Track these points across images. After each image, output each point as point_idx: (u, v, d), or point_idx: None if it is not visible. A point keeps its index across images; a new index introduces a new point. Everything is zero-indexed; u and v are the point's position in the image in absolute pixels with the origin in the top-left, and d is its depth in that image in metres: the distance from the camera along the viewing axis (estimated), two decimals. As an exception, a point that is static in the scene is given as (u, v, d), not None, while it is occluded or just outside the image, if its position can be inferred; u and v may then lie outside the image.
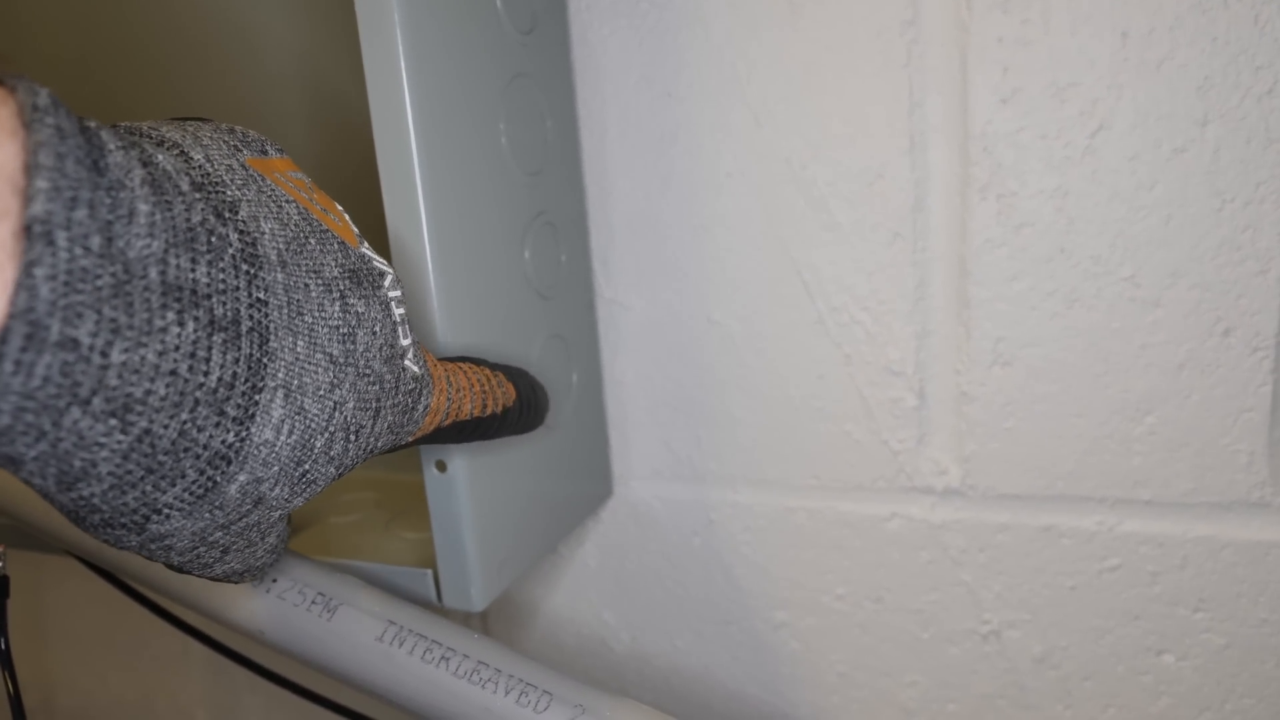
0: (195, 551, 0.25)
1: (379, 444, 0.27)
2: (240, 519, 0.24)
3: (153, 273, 0.20)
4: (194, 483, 0.22)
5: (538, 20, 0.41)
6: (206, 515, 0.23)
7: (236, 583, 0.28)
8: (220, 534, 0.24)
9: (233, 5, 0.49)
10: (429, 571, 0.35)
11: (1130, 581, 0.41)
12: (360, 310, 0.26)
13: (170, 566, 0.25)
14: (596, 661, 0.51)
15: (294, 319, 0.24)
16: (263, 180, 0.25)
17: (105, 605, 0.66)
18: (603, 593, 0.51)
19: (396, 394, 0.27)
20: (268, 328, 0.23)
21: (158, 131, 0.24)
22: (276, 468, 0.24)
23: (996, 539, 0.42)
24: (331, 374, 0.25)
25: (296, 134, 0.49)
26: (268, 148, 0.27)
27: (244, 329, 0.22)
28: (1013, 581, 0.42)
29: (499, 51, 0.38)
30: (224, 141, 0.25)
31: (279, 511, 0.25)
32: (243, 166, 0.25)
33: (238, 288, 0.22)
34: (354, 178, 0.38)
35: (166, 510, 0.22)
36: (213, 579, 0.27)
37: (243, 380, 0.22)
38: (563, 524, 0.43)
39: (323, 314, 0.25)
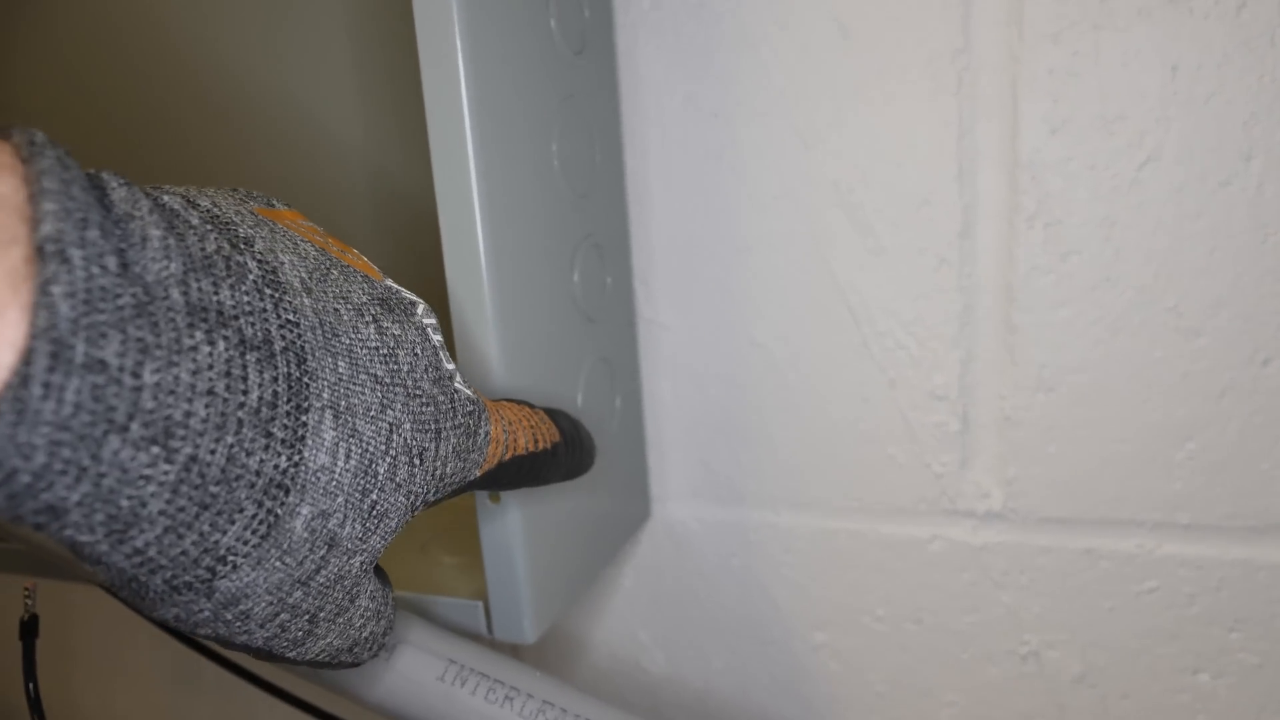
0: (279, 620, 0.24)
1: (448, 470, 0.27)
2: (318, 571, 0.24)
3: (175, 293, 0.20)
4: (254, 518, 0.22)
5: (587, 40, 0.42)
6: (278, 564, 0.23)
7: (345, 666, 0.27)
8: (300, 593, 0.24)
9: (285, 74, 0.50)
10: (479, 604, 0.37)
11: (1168, 603, 0.43)
12: (396, 333, 0.26)
13: (255, 651, 0.24)
14: (629, 683, 0.53)
15: (329, 339, 0.24)
16: (274, 224, 0.26)
17: (137, 635, 0.67)
18: (638, 613, 0.53)
19: (455, 415, 0.27)
20: (303, 348, 0.23)
21: (159, 187, 0.24)
22: (341, 498, 0.23)
23: (1037, 561, 0.45)
24: (380, 394, 0.25)
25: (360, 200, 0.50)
26: (274, 202, 0.28)
27: (277, 348, 0.22)
28: (1052, 603, 0.45)
29: (553, 72, 0.40)
30: (229, 195, 0.26)
31: (359, 558, 0.25)
32: (251, 213, 0.25)
33: (265, 309, 0.22)
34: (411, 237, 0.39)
35: (232, 558, 0.22)
36: (313, 664, 0.26)
37: (285, 400, 0.22)
38: (606, 549, 0.45)
39: (359, 335, 0.25)
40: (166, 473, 0.20)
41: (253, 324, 0.22)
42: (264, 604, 0.23)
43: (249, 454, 0.21)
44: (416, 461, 0.26)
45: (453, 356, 0.31)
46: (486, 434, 0.29)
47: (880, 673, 0.49)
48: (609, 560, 0.46)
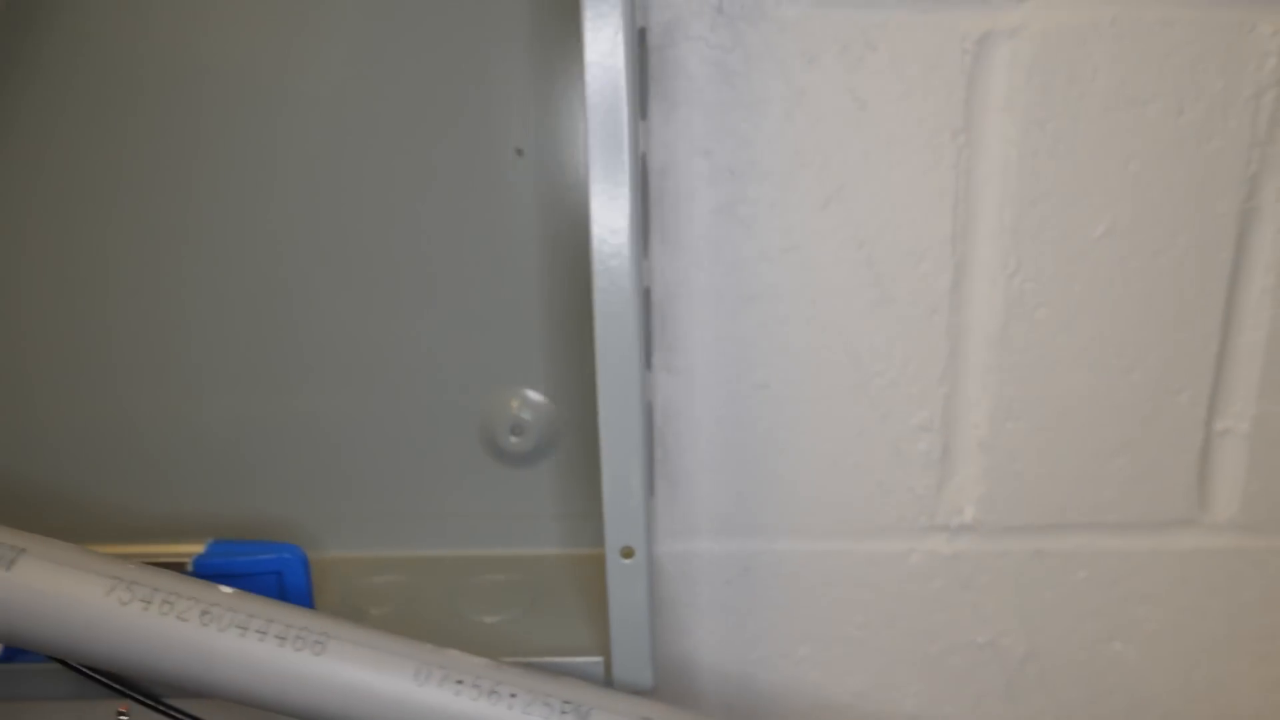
0: None
1: None
2: None
3: None
4: None
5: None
6: None
7: None
8: None
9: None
10: (600, 659, 0.38)
11: (1094, 587, 0.53)
12: None
13: None
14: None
15: None
16: None
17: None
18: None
19: None
20: None
21: None
22: None
23: (997, 564, 0.53)
24: None
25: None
26: None
27: None
28: (1007, 597, 0.53)
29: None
30: None
31: None
32: None
33: None
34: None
35: None
36: None
37: None
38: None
39: None
40: None
41: None
42: None
43: None
44: None
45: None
46: None
47: (858, 677, 0.55)
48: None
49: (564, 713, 0.33)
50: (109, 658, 0.31)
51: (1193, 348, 0.50)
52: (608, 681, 0.38)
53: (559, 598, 0.46)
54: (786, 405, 0.51)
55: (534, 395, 0.49)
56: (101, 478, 0.48)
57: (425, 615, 0.44)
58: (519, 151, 0.45)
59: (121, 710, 0.33)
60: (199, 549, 0.40)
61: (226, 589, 0.33)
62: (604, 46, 0.35)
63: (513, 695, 0.33)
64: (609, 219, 0.35)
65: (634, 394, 0.36)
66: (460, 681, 0.32)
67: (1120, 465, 0.51)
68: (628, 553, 0.37)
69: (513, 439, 0.49)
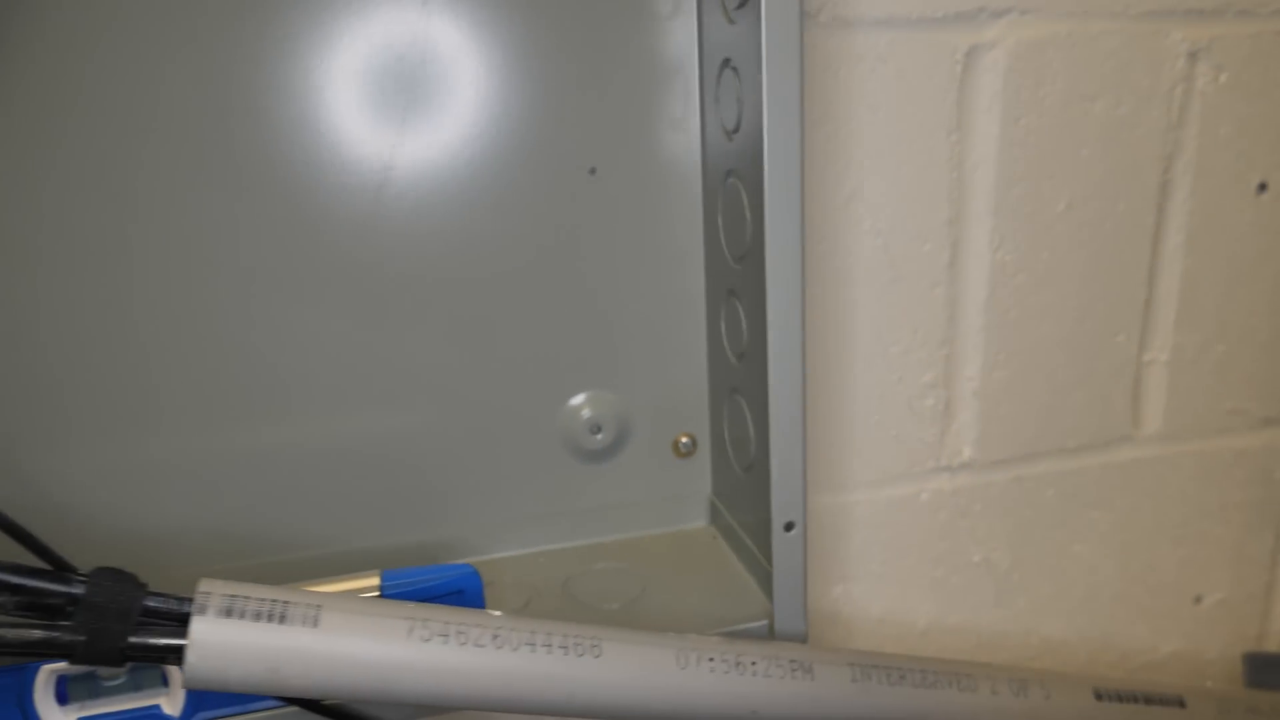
0: None
1: None
2: None
3: None
4: None
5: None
6: None
7: None
8: None
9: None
10: (765, 622, 0.43)
11: (1061, 501, 0.64)
12: None
13: None
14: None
15: None
16: None
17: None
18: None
19: None
20: None
21: None
22: None
23: (988, 493, 0.62)
24: None
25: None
26: None
27: None
28: (995, 520, 0.63)
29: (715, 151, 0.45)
30: None
31: None
32: None
33: None
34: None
35: None
36: None
37: None
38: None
39: None
40: None
41: None
42: None
43: None
44: None
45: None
46: None
47: (879, 605, 0.63)
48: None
49: (794, 671, 0.38)
50: (420, 693, 0.33)
51: (1127, 296, 0.61)
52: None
53: (665, 576, 0.50)
54: (818, 379, 0.57)
55: (606, 394, 0.52)
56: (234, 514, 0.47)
57: (552, 610, 0.47)
58: (592, 171, 0.48)
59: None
60: (375, 581, 0.41)
61: (495, 612, 0.35)
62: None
63: (753, 664, 0.37)
64: (784, 216, 0.39)
65: (798, 386, 0.41)
66: (712, 660, 0.37)
67: (1076, 398, 0.62)
68: (789, 526, 0.42)
69: (596, 437, 0.52)
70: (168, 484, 0.48)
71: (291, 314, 0.48)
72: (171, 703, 0.39)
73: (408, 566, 0.41)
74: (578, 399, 0.52)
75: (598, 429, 0.52)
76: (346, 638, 0.31)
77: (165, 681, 0.39)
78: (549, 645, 0.34)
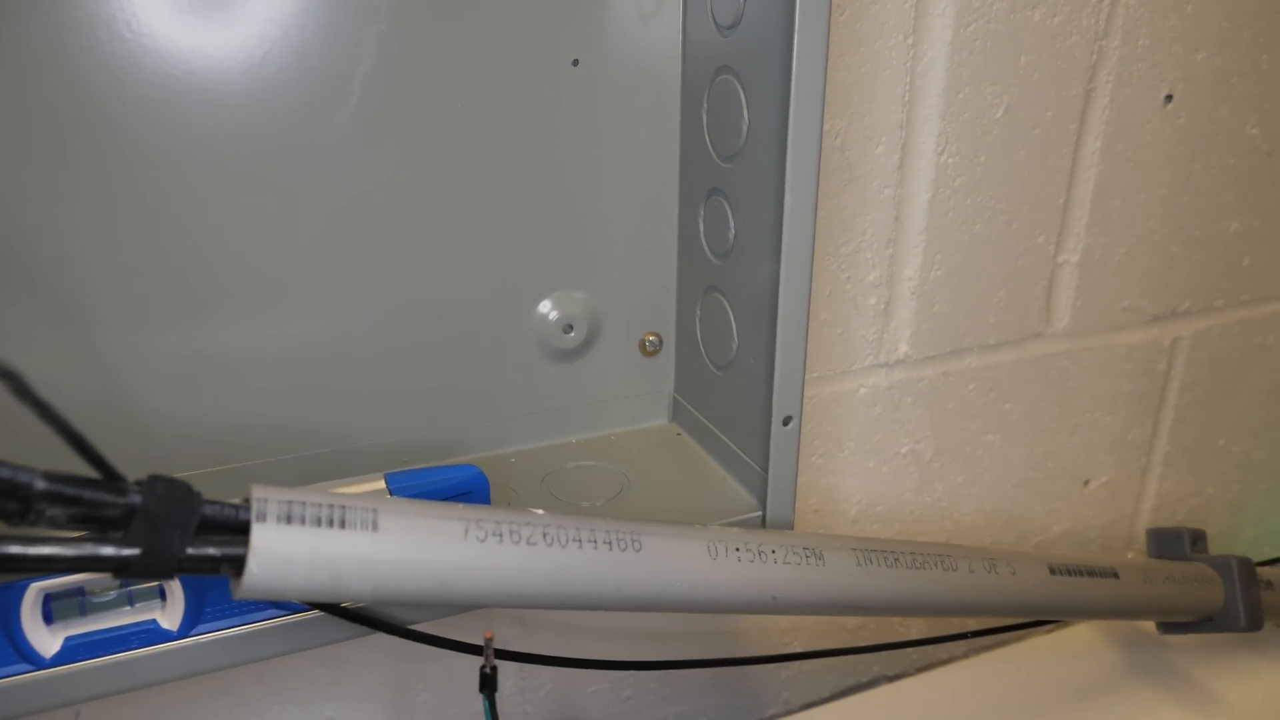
0: None
1: None
2: None
3: None
4: None
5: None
6: None
7: None
8: None
9: None
10: (759, 514, 0.45)
11: (978, 395, 0.69)
12: None
13: None
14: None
15: None
16: None
17: None
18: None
19: None
20: None
21: None
22: None
23: (918, 386, 0.66)
24: None
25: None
26: None
27: None
28: (922, 413, 0.67)
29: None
30: None
31: None
32: None
33: None
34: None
35: None
36: None
37: None
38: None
39: None
40: None
41: None
42: None
43: None
44: None
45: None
46: None
47: (815, 495, 0.67)
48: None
49: (808, 558, 0.40)
50: (476, 593, 0.32)
51: (1048, 199, 0.65)
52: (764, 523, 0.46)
53: (640, 473, 0.51)
54: (772, 279, 0.59)
55: (577, 292, 0.52)
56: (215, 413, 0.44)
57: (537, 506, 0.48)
58: (575, 62, 0.47)
59: (488, 636, 0.34)
60: (380, 484, 0.40)
61: (538, 510, 0.35)
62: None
63: (773, 552, 0.39)
64: (807, 129, 0.40)
65: (805, 283, 0.42)
66: (738, 550, 0.38)
67: (999, 297, 0.67)
68: (787, 420, 0.44)
69: (567, 336, 0.52)
70: (145, 385, 0.44)
71: (263, 214, 0.44)
72: (168, 617, 0.37)
73: (400, 469, 0.40)
74: (551, 297, 0.52)
75: (569, 328, 0.52)
76: (406, 540, 0.31)
77: (162, 595, 0.37)
78: (594, 542, 0.34)
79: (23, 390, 0.23)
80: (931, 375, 0.67)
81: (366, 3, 0.43)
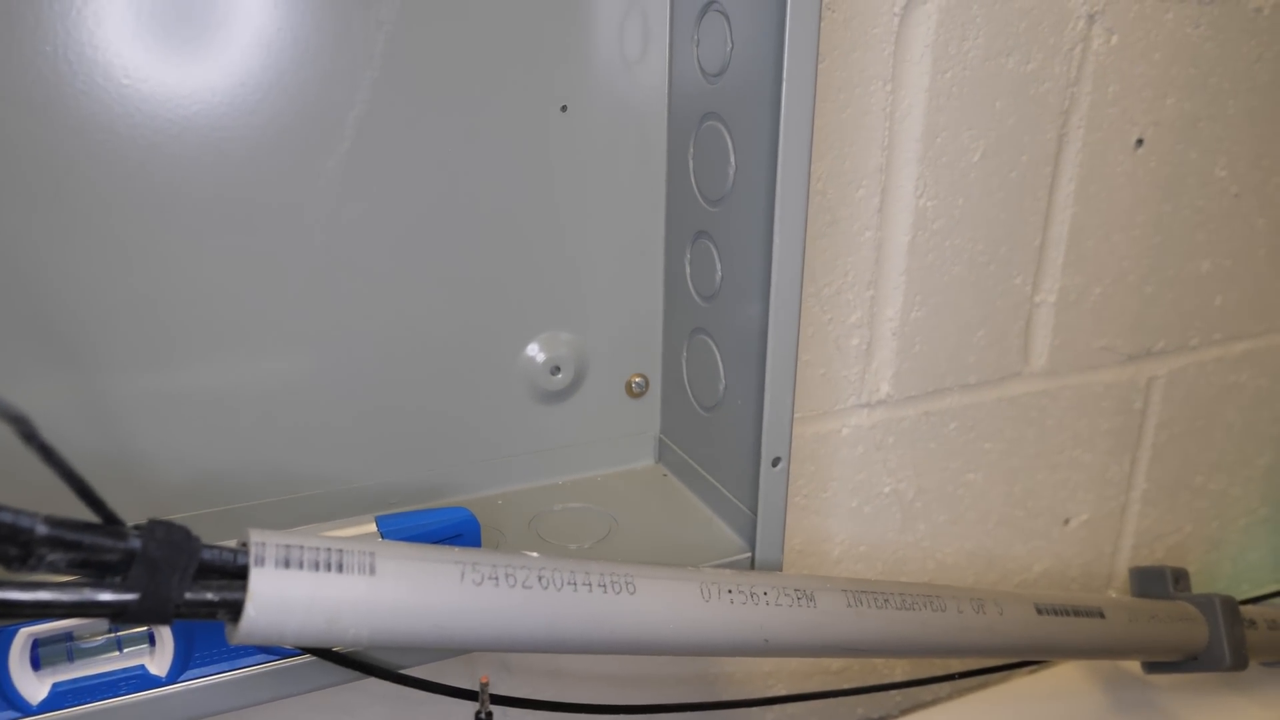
0: None
1: None
2: None
3: None
4: None
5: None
6: None
7: None
8: None
9: None
10: (749, 555, 0.46)
11: (961, 433, 0.70)
12: None
13: None
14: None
15: None
16: None
17: None
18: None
19: None
20: None
21: None
22: None
23: (900, 426, 0.68)
24: None
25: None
26: None
27: None
28: (905, 452, 0.69)
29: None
30: None
31: None
32: None
33: None
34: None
35: None
36: None
37: None
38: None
39: None
40: None
41: None
42: None
43: None
44: None
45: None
46: None
47: (799, 535, 0.67)
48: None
49: (799, 600, 0.41)
50: (473, 637, 0.32)
51: (1025, 241, 0.67)
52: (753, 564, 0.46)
53: (627, 514, 0.52)
54: (755, 320, 0.60)
55: (564, 334, 0.53)
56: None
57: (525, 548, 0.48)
58: (563, 108, 0.48)
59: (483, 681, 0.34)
60: (370, 527, 0.40)
61: (532, 554, 0.35)
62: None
63: (765, 594, 0.40)
64: (794, 173, 0.41)
65: (793, 326, 0.43)
66: (730, 591, 0.38)
67: (979, 337, 0.68)
68: (776, 461, 0.45)
69: (555, 377, 0.53)
70: (135, 425, 0.45)
71: (255, 252, 0.45)
72: (157, 663, 0.37)
73: (390, 512, 0.41)
74: (538, 339, 0.52)
75: (556, 369, 0.53)
76: (403, 583, 0.31)
77: (151, 640, 0.37)
78: (589, 584, 0.35)
79: (29, 434, 0.23)
80: (913, 415, 0.69)
81: (361, 49, 0.44)
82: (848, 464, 0.68)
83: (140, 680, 0.37)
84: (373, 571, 0.31)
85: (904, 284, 0.64)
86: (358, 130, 0.45)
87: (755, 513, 0.47)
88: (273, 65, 0.43)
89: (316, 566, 0.30)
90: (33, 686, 0.35)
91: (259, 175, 0.44)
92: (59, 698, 0.35)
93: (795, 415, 0.63)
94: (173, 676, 0.37)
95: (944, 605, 0.46)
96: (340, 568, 0.30)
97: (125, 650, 0.37)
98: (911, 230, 0.63)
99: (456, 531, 0.41)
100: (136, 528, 0.27)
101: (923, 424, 0.69)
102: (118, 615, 0.27)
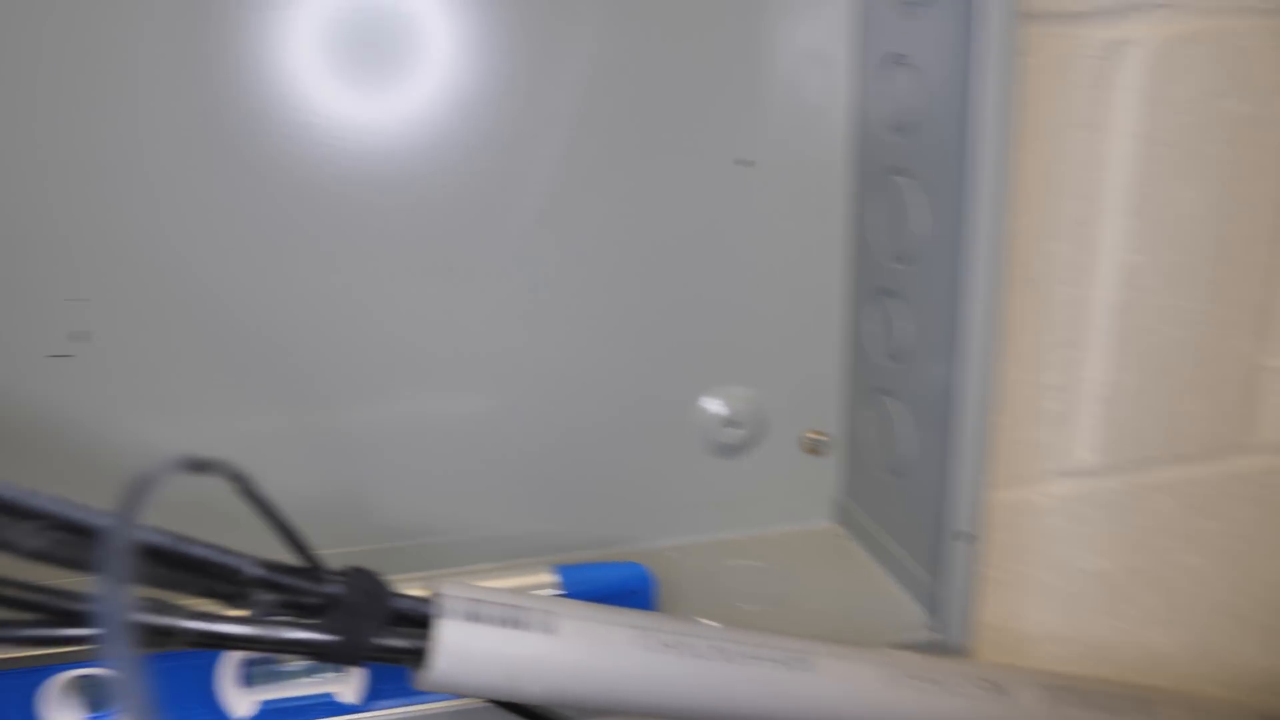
0: None
1: None
2: None
3: None
4: None
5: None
6: None
7: None
8: None
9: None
10: (941, 636, 0.44)
11: (1176, 508, 0.65)
12: None
13: None
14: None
15: None
16: None
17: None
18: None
19: None
20: None
21: None
22: None
23: (1105, 499, 0.63)
24: None
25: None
26: None
27: None
28: (1111, 527, 0.64)
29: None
30: None
31: None
32: None
33: None
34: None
35: None
36: None
37: None
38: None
39: None
40: None
41: None
42: None
43: None
44: None
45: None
46: None
47: (988, 610, 0.64)
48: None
49: (987, 691, 0.38)
50: (646, 702, 0.33)
51: (1245, 300, 0.62)
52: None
53: (803, 577, 0.51)
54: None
55: (741, 389, 0.53)
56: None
57: (698, 609, 0.48)
58: (740, 162, 0.49)
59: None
60: (550, 577, 0.41)
61: (709, 622, 0.35)
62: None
63: (950, 682, 0.38)
64: (986, 229, 0.40)
65: (985, 392, 0.42)
66: (912, 678, 0.37)
67: (1193, 405, 0.63)
68: (965, 537, 0.43)
69: (731, 431, 0.52)
70: (306, 462, 0.48)
71: (436, 299, 0.48)
72: (350, 690, 0.39)
73: (568, 563, 0.42)
74: (714, 392, 0.53)
75: (732, 423, 0.53)
76: (580, 645, 0.31)
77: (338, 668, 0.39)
78: (764, 658, 0.34)
79: (249, 492, 0.25)
80: (1120, 486, 0.64)
81: (551, 110, 0.46)
82: (1044, 536, 0.63)
83: (331, 706, 0.39)
84: (553, 631, 0.31)
85: (1108, 345, 0.60)
86: (542, 184, 0.47)
87: (940, 587, 0.44)
88: (473, 128, 0.46)
89: (501, 622, 0.31)
90: (242, 701, 0.38)
91: (450, 221, 0.47)
92: (264, 716, 0.39)
93: (986, 480, 0.60)
94: (365, 705, 0.39)
95: (1155, 711, 0.42)
96: (521, 624, 0.31)
97: (316, 675, 0.40)
98: (1117, 287, 0.59)
99: (632, 587, 0.41)
100: (338, 573, 0.29)
101: (1131, 497, 0.64)
102: (319, 655, 0.29)
